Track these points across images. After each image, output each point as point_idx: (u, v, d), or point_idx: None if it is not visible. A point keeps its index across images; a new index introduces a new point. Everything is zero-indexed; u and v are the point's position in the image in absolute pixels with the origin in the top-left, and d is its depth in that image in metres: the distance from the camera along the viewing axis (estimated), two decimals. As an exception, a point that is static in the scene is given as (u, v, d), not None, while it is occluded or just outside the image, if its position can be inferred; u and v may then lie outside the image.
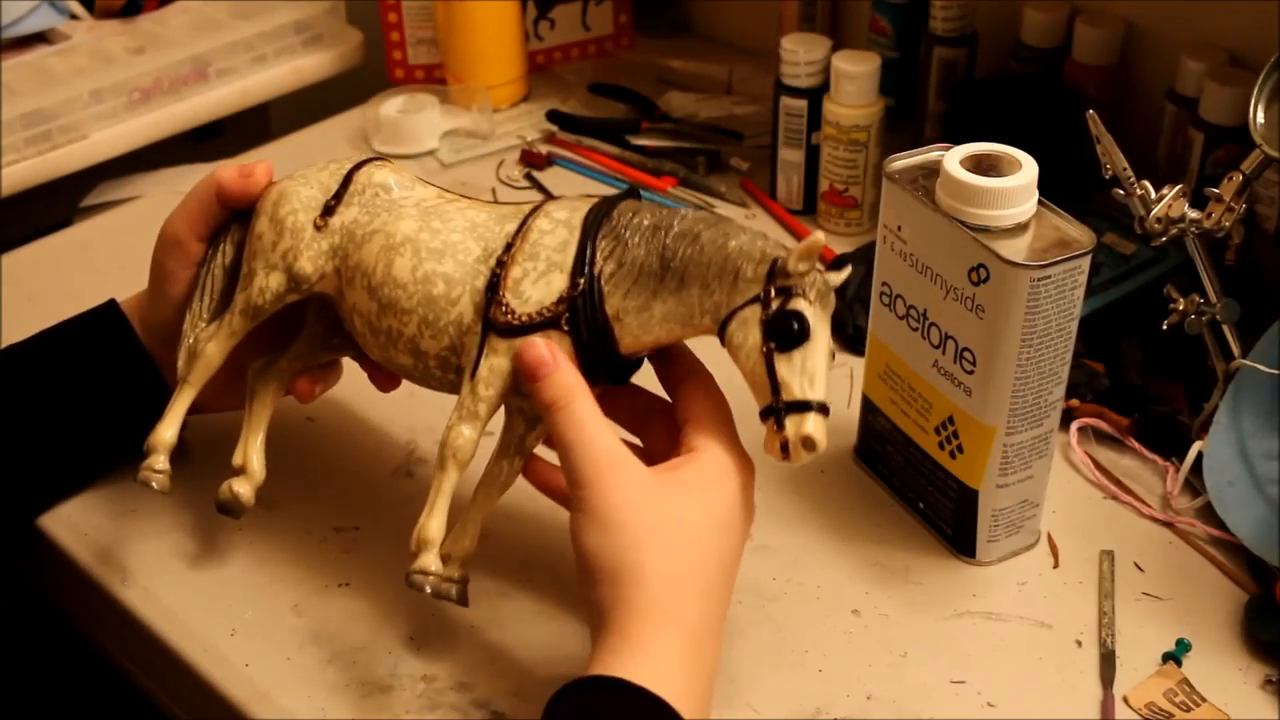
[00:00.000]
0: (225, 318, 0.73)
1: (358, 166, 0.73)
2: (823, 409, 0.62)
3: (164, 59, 1.17)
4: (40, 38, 1.20)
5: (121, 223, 1.10)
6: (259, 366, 0.76)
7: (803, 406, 0.62)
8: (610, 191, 0.62)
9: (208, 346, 0.74)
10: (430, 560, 0.66)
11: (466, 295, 0.67)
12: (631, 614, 0.61)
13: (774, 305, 0.62)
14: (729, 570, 0.64)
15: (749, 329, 0.63)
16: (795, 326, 0.62)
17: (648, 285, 0.65)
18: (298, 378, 0.77)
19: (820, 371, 0.63)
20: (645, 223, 0.65)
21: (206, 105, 1.21)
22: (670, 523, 0.62)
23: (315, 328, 0.76)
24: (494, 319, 0.66)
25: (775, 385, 0.62)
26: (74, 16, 1.23)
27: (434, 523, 0.66)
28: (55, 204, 1.14)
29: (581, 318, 0.65)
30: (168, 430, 0.74)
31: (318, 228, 0.71)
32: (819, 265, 0.63)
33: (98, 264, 1.04)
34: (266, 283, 0.72)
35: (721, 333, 0.64)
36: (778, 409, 0.62)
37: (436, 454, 0.67)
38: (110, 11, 1.25)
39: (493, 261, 0.67)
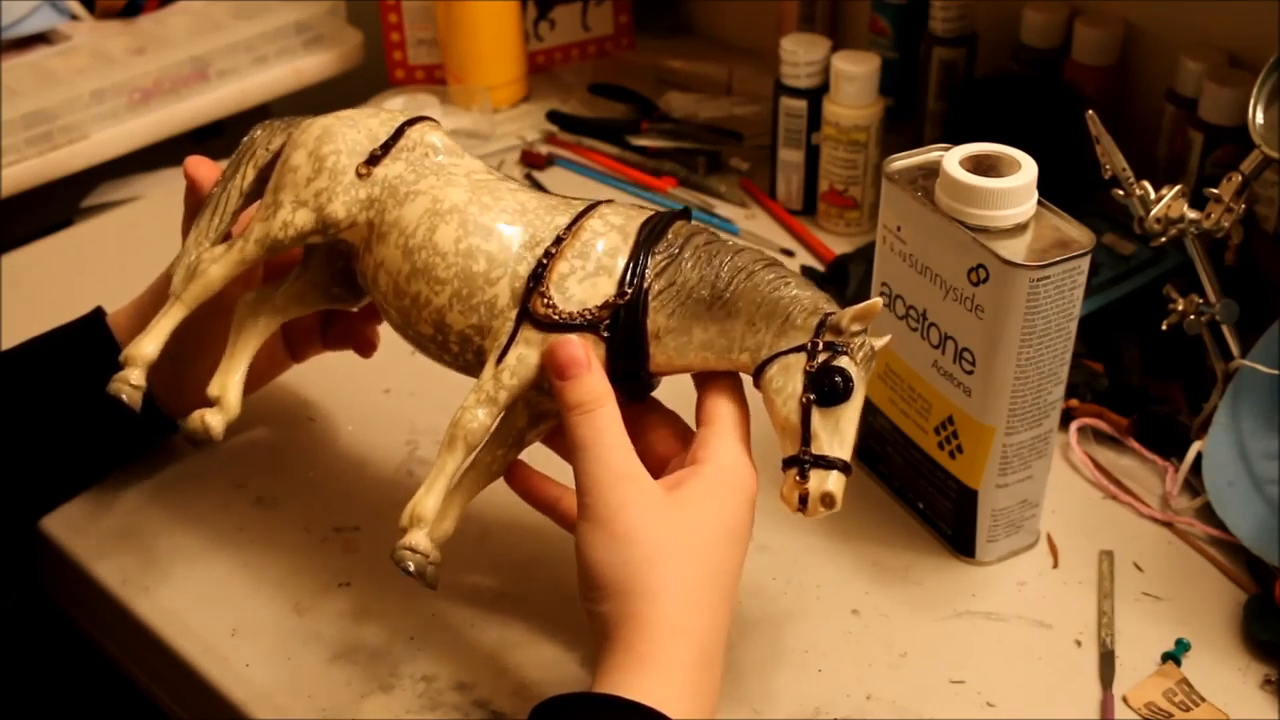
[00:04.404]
0: (238, 243, 0.70)
1: (411, 122, 0.70)
2: (846, 469, 0.62)
3: (164, 59, 1.17)
4: (41, 38, 1.20)
5: (122, 223, 1.10)
6: (250, 299, 0.73)
7: (829, 463, 0.62)
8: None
9: (211, 268, 0.70)
10: (419, 538, 0.65)
11: (506, 279, 0.65)
12: (641, 632, 0.60)
13: (820, 358, 0.62)
14: (733, 586, 0.64)
15: (791, 375, 0.63)
16: (840, 384, 0.62)
17: (693, 310, 0.64)
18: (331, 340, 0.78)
19: (851, 433, 0.62)
20: (703, 250, 0.65)
21: (207, 105, 1.21)
22: (682, 540, 0.61)
23: (318, 273, 0.74)
24: (533, 310, 0.65)
25: (807, 437, 0.62)
26: (74, 17, 1.23)
27: (430, 500, 0.65)
28: (56, 204, 1.14)
29: (621, 328, 0.64)
30: (148, 345, 0.69)
31: (360, 175, 0.68)
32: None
33: (98, 264, 1.04)
34: (292, 218, 0.69)
35: (758, 374, 0.64)
36: (804, 460, 0.62)
37: (445, 432, 0.65)
38: (111, 12, 1.25)
39: (540, 251, 0.65)
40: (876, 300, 0.62)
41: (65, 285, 1.01)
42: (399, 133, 0.69)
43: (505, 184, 0.69)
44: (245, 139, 0.72)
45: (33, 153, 1.11)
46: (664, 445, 0.68)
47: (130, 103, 1.15)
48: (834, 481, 0.62)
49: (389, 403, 0.88)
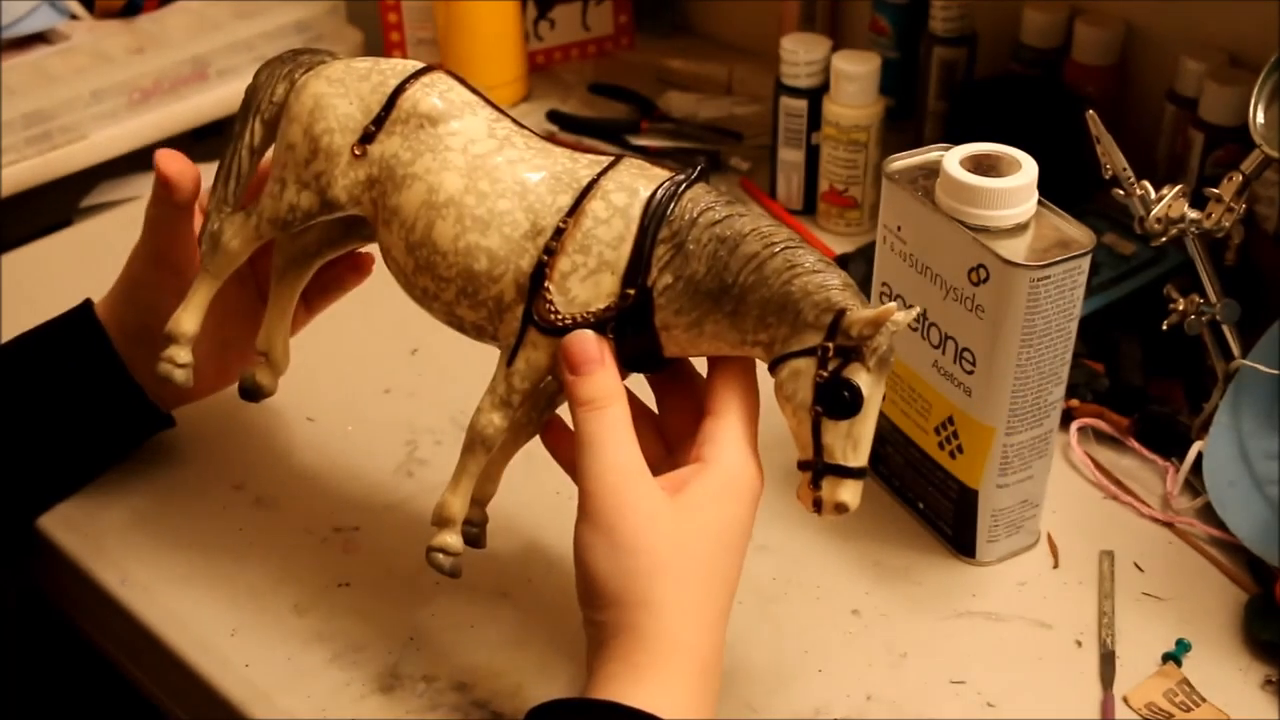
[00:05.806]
0: (252, 219, 0.69)
1: (402, 87, 0.65)
2: (861, 474, 0.61)
3: (164, 59, 1.18)
4: (40, 38, 1.20)
5: (122, 223, 1.10)
6: (285, 247, 0.73)
7: (842, 471, 0.61)
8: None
9: (232, 242, 0.69)
10: (449, 539, 0.66)
11: (510, 275, 0.63)
12: (641, 644, 0.59)
13: (831, 366, 0.59)
14: (731, 594, 0.63)
15: (801, 382, 0.60)
16: (849, 398, 0.59)
17: (702, 304, 0.61)
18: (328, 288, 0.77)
19: (866, 438, 0.61)
20: (709, 234, 0.61)
21: (207, 105, 1.21)
22: (685, 551, 0.60)
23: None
24: (537, 314, 0.63)
25: (819, 447, 0.61)
26: (74, 16, 1.23)
27: (457, 501, 0.66)
28: (55, 204, 1.14)
29: (628, 327, 0.62)
30: (187, 320, 0.70)
31: (355, 155, 0.65)
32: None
33: (98, 264, 1.03)
34: (298, 200, 0.67)
35: (772, 369, 0.62)
36: (817, 468, 0.61)
37: (465, 434, 0.65)
38: (110, 11, 1.25)
39: (542, 242, 0.62)
40: (891, 306, 0.59)
41: (65, 285, 1.01)
42: (392, 102, 0.65)
43: (505, 154, 0.65)
44: (249, 87, 0.70)
45: (32, 153, 1.11)
46: (678, 426, 0.66)
47: (130, 103, 1.16)
48: (848, 491, 0.61)
49: (389, 403, 0.88)
